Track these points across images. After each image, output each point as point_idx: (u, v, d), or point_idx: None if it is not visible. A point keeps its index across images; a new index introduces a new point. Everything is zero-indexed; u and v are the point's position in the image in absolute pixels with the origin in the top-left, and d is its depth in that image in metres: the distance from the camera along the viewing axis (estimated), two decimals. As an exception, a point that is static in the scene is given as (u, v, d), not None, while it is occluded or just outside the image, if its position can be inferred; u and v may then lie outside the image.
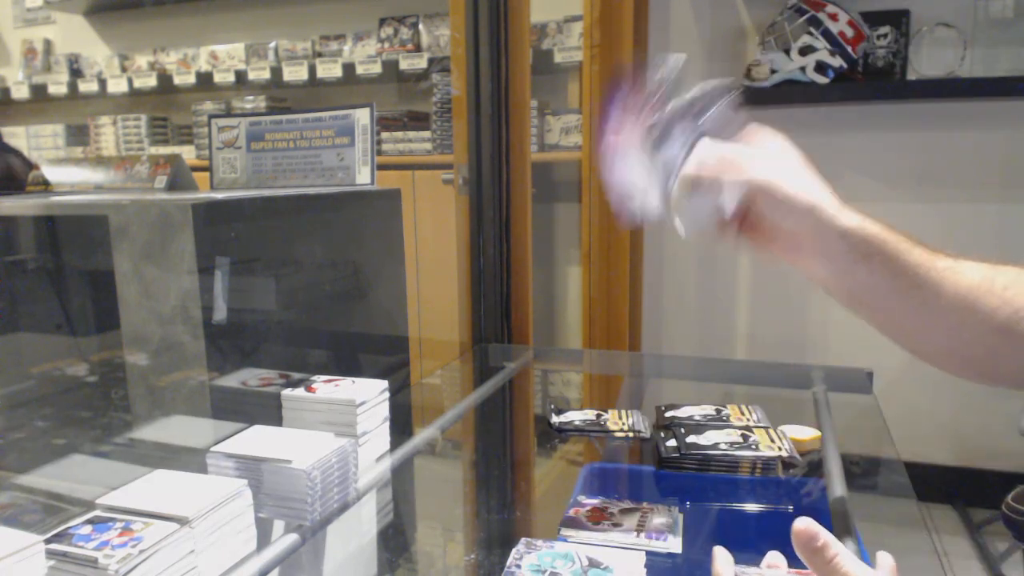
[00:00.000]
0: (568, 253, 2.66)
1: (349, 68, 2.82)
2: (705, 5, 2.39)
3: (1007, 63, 2.11)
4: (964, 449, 2.31)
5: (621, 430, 1.03)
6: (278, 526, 0.71)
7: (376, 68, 2.78)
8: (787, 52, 2.14)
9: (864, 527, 0.72)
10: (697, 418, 1.02)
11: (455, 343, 1.59)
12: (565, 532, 0.73)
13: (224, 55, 3.17)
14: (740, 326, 2.50)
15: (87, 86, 3.33)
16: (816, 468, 0.89)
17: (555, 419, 1.07)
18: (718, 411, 1.04)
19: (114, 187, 1.18)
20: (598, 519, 0.75)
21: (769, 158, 0.65)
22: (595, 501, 0.79)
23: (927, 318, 0.62)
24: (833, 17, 2.09)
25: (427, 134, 2.70)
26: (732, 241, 0.67)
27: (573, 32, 2.53)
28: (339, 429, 0.80)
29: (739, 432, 0.95)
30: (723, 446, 0.90)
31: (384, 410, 0.86)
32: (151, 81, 3.20)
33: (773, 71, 2.16)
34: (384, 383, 0.86)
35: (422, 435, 1.03)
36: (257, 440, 0.73)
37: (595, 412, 1.10)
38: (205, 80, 3.11)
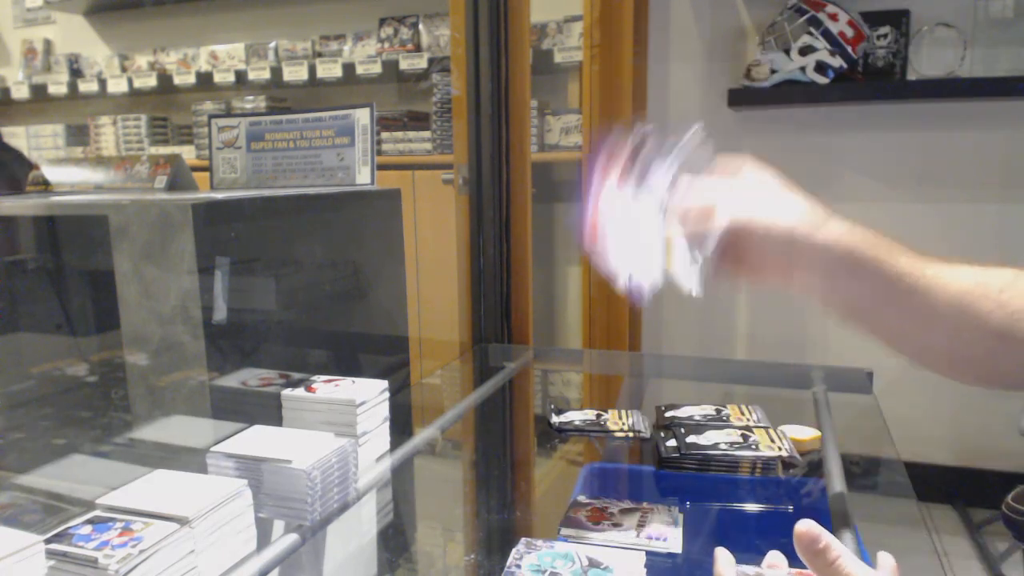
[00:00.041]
0: (568, 253, 2.66)
1: (349, 68, 2.82)
2: (705, 5, 2.39)
3: (1007, 63, 2.11)
4: (964, 449, 2.31)
5: (621, 430, 1.03)
6: (278, 526, 0.71)
7: (376, 68, 2.78)
8: (787, 52, 2.14)
9: (864, 527, 0.72)
10: (697, 418, 1.02)
11: (455, 343, 1.59)
12: (565, 532, 0.73)
13: (224, 55, 3.17)
14: (740, 326, 2.50)
15: (87, 86, 3.33)
16: (816, 468, 0.89)
17: (555, 419, 1.07)
18: (718, 411, 1.04)
19: (114, 187, 1.18)
20: (598, 519, 0.75)
21: (740, 192, 0.65)
22: (595, 501, 0.79)
23: (922, 324, 0.62)
24: (833, 17, 2.09)
25: (427, 134, 2.70)
26: (727, 278, 0.67)
27: (573, 32, 2.53)
28: (339, 429, 0.80)
29: (739, 432, 0.95)
30: (723, 446, 0.90)
31: (384, 410, 0.86)
32: (151, 81, 3.20)
33: (773, 71, 2.16)
34: (384, 383, 0.86)
35: (422, 435, 1.03)
36: (257, 440, 0.73)
37: (595, 412, 1.10)
38: (205, 80, 3.11)
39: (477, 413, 1.21)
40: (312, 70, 2.89)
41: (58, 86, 3.39)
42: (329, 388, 0.83)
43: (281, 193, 1.05)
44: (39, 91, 3.43)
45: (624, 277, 0.66)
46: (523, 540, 0.67)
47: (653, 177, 0.68)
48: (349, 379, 0.86)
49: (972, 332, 0.60)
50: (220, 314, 0.83)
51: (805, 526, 0.49)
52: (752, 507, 0.85)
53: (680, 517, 0.76)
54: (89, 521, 0.57)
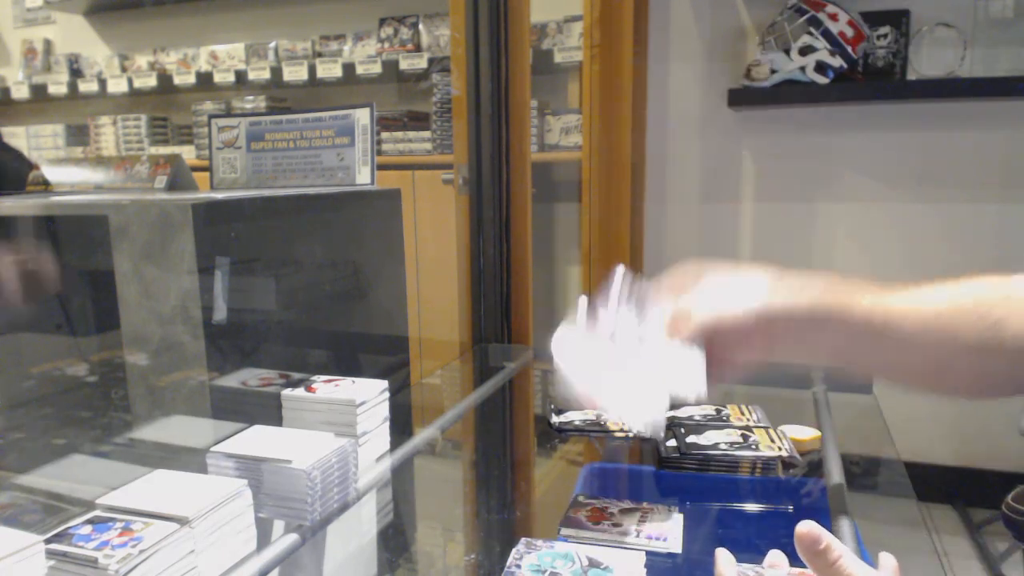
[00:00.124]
0: (568, 253, 2.66)
1: (349, 68, 2.82)
2: (705, 5, 2.39)
3: (1007, 63, 2.11)
4: (964, 449, 2.31)
5: (621, 430, 1.03)
6: (278, 526, 0.71)
7: (376, 68, 2.78)
8: (787, 52, 2.14)
9: (864, 527, 0.72)
10: (697, 418, 1.02)
11: (455, 343, 1.59)
12: (565, 532, 0.73)
13: (224, 55, 3.17)
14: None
15: (87, 86, 3.33)
16: (816, 468, 0.89)
17: (555, 419, 1.07)
18: (718, 411, 1.04)
19: (114, 187, 1.18)
20: (598, 519, 0.75)
21: (701, 297, 0.68)
22: (595, 501, 0.79)
23: (902, 355, 0.63)
24: (833, 17, 2.09)
25: (427, 134, 2.70)
26: (718, 376, 0.70)
27: (573, 32, 2.53)
28: (339, 429, 0.80)
29: (739, 432, 0.95)
30: (723, 446, 0.90)
31: (384, 410, 0.86)
32: (151, 81, 3.20)
33: (773, 71, 2.16)
34: (384, 383, 0.86)
35: (422, 435, 1.02)
36: (257, 440, 0.73)
37: (595, 412, 1.10)
38: (205, 80, 3.11)
39: (477, 413, 1.21)
40: (312, 70, 2.89)
41: (58, 86, 3.39)
42: (329, 388, 0.83)
43: (281, 193, 1.05)
44: (39, 91, 3.43)
45: (635, 422, 0.67)
46: (523, 540, 0.67)
47: (614, 326, 0.71)
48: (349, 379, 0.86)
49: (952, 352, 0.61)
50: (220, 314, 0.83)
51: (806, 527, 0.49)
52: (752, 507, 0.85)
53: (680, 517, 0.76)
54: (89, 521, 0.57)
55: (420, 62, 2.72)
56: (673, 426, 0.98)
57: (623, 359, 0.70)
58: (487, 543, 0.80)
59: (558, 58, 2.52)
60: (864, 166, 2.30)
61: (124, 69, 3.39)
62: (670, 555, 0.69)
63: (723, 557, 0.56)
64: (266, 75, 2.98)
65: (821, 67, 2.12)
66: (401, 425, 0.94)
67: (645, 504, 0.78)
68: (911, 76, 2.18)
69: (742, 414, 1.03)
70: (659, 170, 2.51)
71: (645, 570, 0.63)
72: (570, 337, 0.71)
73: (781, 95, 2.18)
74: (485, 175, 1.54)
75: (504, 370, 1.40)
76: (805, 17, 2.11)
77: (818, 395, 1.14)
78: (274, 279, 0.94)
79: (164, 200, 0.84)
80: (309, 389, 0.83)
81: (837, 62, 2.11)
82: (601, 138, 2.19)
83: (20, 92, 3.47)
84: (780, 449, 0.89)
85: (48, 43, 3.62)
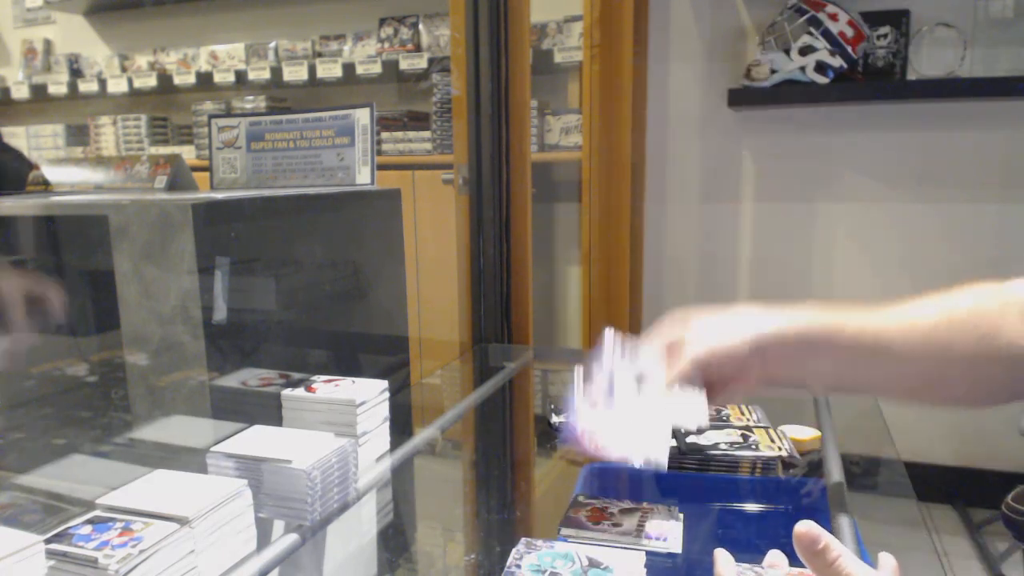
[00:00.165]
0: (568, 253, 2.66)
1: (349, 68, 2.82)
2: (705, 5, 2.39)
3: (1007, 63, 2.11)
4: (964, 449, 2.31)
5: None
6: (278, 526, 0.71)
7: (376, 68, 2.78)
8: (787, 52, 2.14)
9: (864, 527, 0.72)
10: (697, 418, 1.02)
11: (455, 343, 1.59)
12: (565, 532, 0.73)
13: (224, 55, 3.17)
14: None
15: (87, 86, 3.33)
16: (816, 468, 0.89)
17: (555, 419, 1.07)
18: (718, 411, 1.04)
19: (114, 187, 1.18)
20: (598, 519, 0.75)
21: (694, 335, 0.70)
22: (595, 501, 0.79)
23: (896, 372, 0.64)
24: (833, 17, 2.09)
25: (427, 134, 2.70)
26: (719, 402, 0.71)
27: (573, 32, 2.53)
28: (339, 429, 0.80)
29: (739, 432, 0.95)
30: (723, 446, 0.90)
31: (384, 410, 0.86)
32: (151, 81, 3.20)
33: (773, 71, 2.16)
34: (384, 383, 0.86)
35: (422, 435, 1.03)
36: (257, 440, 0.73)
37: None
38: (205, 80, 3.11)
39: (477, 413, 1.21)
40: (312, 70, 2.89)
41: (58, 86, 3.39)
42: (329, 388, 0.83)
43: (281, 193, 1.05)
44: (39, 91, 3.43)
45: (637, 457, 0.68)
46: (523, 540, 0.67)
47: (612, 381, 0.73)
48: (349, 379, 0.86)
49: (947, 364, 0.62)
50: (220, 314, 0.83)
51: (805, 527, 0.49)
52: (752, 507, 0.85)
53: (680, 517, 0.76)
54: (89, 521, 0.57)
55: (420, 62, 2.72)
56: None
57: (623, 406, 0.71)
58: (487, 543, 0.80)
59: (558, 58, 2.52)
60: (864, 166, 2.30)
61: (124, 69, 3.39)
62: (670, 555, 0.69)
63: (722, 557, 0.56)
64: (266, 75, 2.98)
65: (821, 67, 2.12)
66: (401, 425, 0.94)
67: (645, 504, 0.78)
68: (911, 76, 2.18)
69: (742, 414, 1.03)
70: (659, 170, 2.51)
71: (645, 570, 0.63)
72: (572, 402, 0.73)
73: (781, 95, 2.18)
74: (485, 175, 1.54)
75: (504, 370, 1.41)
76: (805, 17, 2.11)
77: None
78: (274, 279, 0.94)
79: (164, 200, 0.84)
80: (309, 389, 0.83)
81: (837, 62, 2.11)
82: (601, 138, 2.19)
83: (20, 92, 3.47)
84: (780, 449, 0.89)
85: (48, 43, 3.62)
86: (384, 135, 2.74)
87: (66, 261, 0.92)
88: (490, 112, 1.52)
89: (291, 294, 0.98)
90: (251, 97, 3.06)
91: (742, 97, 2.24)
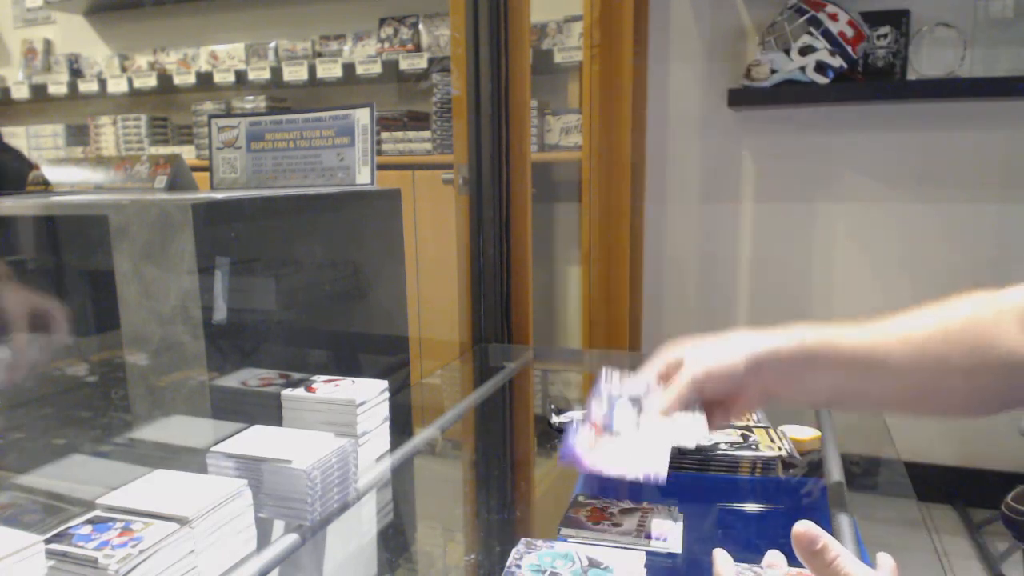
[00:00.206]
0: (568, 253, 2.66)
1: (349, 68, 2.82)
2: (705, 5, 2.39)
3: (1007, 63, 2.11)
4: (964, 449, 2.31)
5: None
6: (278, 526, 0.71)
7: (376, 68, 2.78)
8: (787, 52, 2.14)
9: (864, 527, 0.72)
10: (697, 418, 1.02)
11: (455, 343, 1.59)
12: (565, 532, 0.73)
13: (224, 55, 3.17)
14: (740, 326, 2.50)
15: (87, 86, 3.32)
16: (816, 468, 0.89)
17: (555, 419, 1.07)
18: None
19: (114, 187, 1.18)
20: (598, 519, 0.75)
21: (690, 358, 0.71)
22: (595, 501, 0.79)
23: (896, 385, 0.65)
24: (833, 17, 2.09)
25: (427, 134, 2.70)
26: (720, 422, 0.72)
27: (573, 32, 2.53)
28: (339, 429, 0.80)
29: (739, 432, 0.95)
30: (723, 446, 0.90)
31: (384, 410, 0.86)
32: (151, 81, 3.20)
33: (773, 71, 2.16)
34: (384, 383, 0.86)
35: (422, 435, 1.03)
36: (257, 440, 0.73)
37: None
38: (205, 80, 3.11)
39: (477, 413, 1.21)
40: (312, 70, 2.89)
41: (58, 86, 3.39)
42: (329, 388, 0.83)
43: (281, 193, 1.05)
44: (39, 91, 3.43)
45: (636, 473, 0.69)
46: (523, 540, 0.67)
47: (610, 411, 0.75)
48: (349, 379, 0.86)
49: (943, 375, 0.62)
50: (220, 314, 0.83)
51: (803, 527, 0.49)
52: (752, 507, 0.85)
53: (680, 517, 0.76)
54: (89, 521, 0.58)
55: (420, 62, 2.72)
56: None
57: (624, 429, 0.72)
58: (487, 543, 0.80)
59: (558, 58, 2.52)
60: (864, 166, 2.30)
61: (124, 69, 3.39)
62: (670, 555, 0.69)
63: (721, 557, 0.56)
64: (266, 75, 2.98)
65: (821, 67, 2.12)
66: (401, 425, 0.94)
67: (645, 504, 0.78)
68: (911, 76, 2.18)
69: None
70: (659, 170, 2.51)
71: (645, 570, 0.63)
72: (572, 434, 0.74)
73: (781, 95, 2.18)
74: (485, 175, 1.54)
75: (504, 370, 1.41)
76: (805, 17, 2.11)
77: (818, 395, 1.14)
78: (274, 279, 0.94)
79: (164, 200, 0.84)
80: (309, 389, 0.83)
81: (837, 62, 2.11)
82: (601, 138, 2.19)
83: (20, 92, 3.47)
84: (780, 449, 0.89)
85: (48, 43, 3.62)
86: (384, 135, 2.74)
87: (66, 261, 0.92)
88: (490, 112, 1.52)
89: (291, 294, 0.98)
90: (251, 97, 3.06)
91: (742, 97, 2.24)
